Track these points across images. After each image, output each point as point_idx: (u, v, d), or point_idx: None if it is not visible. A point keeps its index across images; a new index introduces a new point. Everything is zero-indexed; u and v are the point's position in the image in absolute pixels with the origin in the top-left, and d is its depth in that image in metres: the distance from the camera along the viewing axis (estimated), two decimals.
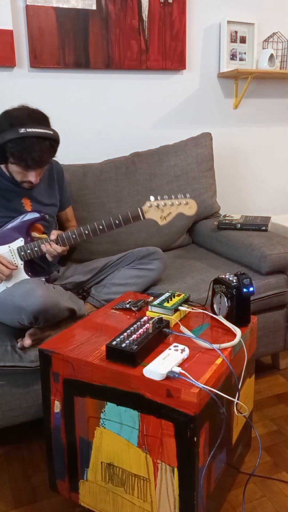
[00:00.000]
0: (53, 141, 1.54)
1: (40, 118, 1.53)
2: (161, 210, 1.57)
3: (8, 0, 1.99)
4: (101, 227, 1.59)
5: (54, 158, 1.82)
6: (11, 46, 2.03)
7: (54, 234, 1.60)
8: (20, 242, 1.62)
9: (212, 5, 2.43)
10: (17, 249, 1.62)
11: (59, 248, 1.58)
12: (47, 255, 1.61)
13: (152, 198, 1.58)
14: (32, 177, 1.57)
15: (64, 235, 1.59)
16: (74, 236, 1.59)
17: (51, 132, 1.53)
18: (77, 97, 2.26)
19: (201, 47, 2.46)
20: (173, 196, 1.59)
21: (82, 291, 1.79)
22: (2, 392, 1.49)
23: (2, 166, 1.62)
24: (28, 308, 1.40)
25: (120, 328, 1.33)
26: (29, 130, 1.47)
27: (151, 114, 2.44)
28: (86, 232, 1.59)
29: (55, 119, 2.24)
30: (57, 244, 1.58)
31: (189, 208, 1.59)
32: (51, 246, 1.58)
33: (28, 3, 2.03)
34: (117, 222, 1.58)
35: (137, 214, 1.58)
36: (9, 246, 1.63)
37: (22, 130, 1.46)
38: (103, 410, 1.17)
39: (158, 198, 1.58)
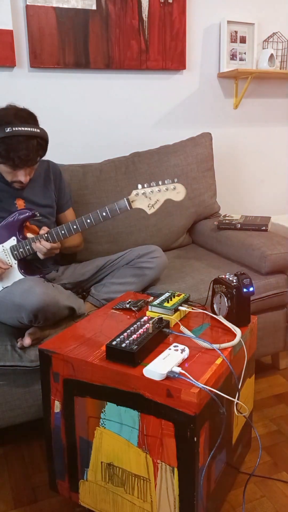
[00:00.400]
0: (40, 140, 1.53)
1: (27, 117, 1.53)
2: (148, 198, 1.52)
3: (8, 0, 1.99)
4: (88, 220, 1.57)
5: (52, 160, 1.83)
6: (11, 46, 2.03)
7: (44, 229, 1.60)
8: (13, 241, 1.62)
9: (212, 5, 2.43)
10: (10, 249, 1.62)
11: (48, 245, 1.55)
12: (38, 253, 1.59)
13: (139, 186, 1.54)
14: (21, 176, 1.57)
15: (53, 231, 1.58)
16: (63, 231, 1.57)
17: (38, 131, 1.52)
18: (77, 97, 2.26)
19: (201, 47, 2.46)
20: (160, 182, 1.54)
21: (81, 290, 1.79)
22: (2, 392, 1.49)
23: None
24: (27, 306, 1.40)
25: (120, 328, 1.33)
26: (15, 129, 1.46)
27: (151, 114, 2.44)
28: (74, 226, 1.57)
29: (55, 119, 2.27)
30: (46, 240, 1.56)
31: (177, 193, 1.52)
32: (40, 242, 1.56)
33: (28, 3, 2.03)
34: (104, 214, 1.56)
35: (123, 204, 1.54)
36: (2, 246, 1.63)
37: (8, 129, 1.46)
38: (103, 410, 1.17)
39: (145, 185, 1.54)
